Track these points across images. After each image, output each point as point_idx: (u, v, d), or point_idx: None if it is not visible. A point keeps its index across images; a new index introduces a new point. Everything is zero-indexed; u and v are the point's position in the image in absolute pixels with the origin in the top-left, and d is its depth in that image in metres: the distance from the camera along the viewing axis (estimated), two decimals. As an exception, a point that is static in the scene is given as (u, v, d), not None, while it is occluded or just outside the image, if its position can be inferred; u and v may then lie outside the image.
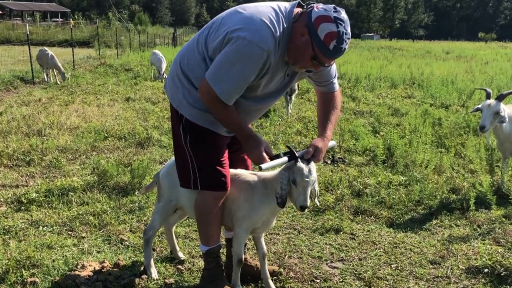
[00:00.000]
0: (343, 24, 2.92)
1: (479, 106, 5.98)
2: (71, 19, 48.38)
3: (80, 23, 46.87)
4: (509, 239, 4.82)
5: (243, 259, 3.67)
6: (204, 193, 3.46)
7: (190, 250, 4.49)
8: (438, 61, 29.89)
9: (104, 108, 11.46)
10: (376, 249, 4.67)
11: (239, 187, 3.52)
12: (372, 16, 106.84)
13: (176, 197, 3.76)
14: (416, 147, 7.63)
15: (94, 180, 6.16)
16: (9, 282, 3.78)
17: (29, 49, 16.99)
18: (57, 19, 67.31)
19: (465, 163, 7.42)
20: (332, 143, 3.49)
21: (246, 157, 3.85)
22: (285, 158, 3.26)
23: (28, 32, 18.26)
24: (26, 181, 6.32)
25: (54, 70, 16.61)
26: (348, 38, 2.97)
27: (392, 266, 4.33)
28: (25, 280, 3.79)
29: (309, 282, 4.02)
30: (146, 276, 3.90)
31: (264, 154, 3.22)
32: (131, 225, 5.04)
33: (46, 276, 3.89)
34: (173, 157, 3.90)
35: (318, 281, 4.03)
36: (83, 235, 4.76)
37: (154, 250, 4.45)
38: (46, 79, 16.51)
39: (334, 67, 3.50)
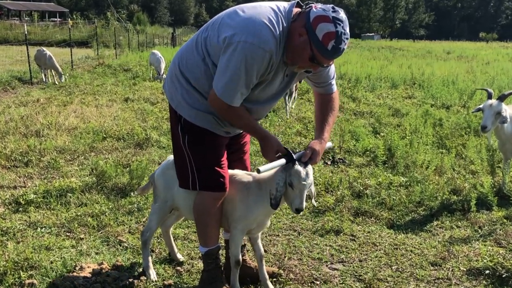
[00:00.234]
0: (342, 24, 2.91)
1: (481, 106, 5.98)
2: (69, 19, 48.43)
3: (79, 23, 46.90)
4: (511, 240, 4.82)
5: (241, 260, 3.67)
6: (203, 194, 3.47)
7: (189, 252, 4.49)
8: (439, 61, 29.89)
9: (102, 108, 11.46)
10: (376, 250, 4.67)
11: (235, 188, 3.53)
12: (372, 16, 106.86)
13: (172, 198, 3.77)
14: (417, 148, 7.63)
15: (93, 181, 6.16)
16: (7, 284, 3.78)
17: (27, 49, 16.98)
18: (55, 19, 67.31)
19: (466, 164, 7.42)
20: (328, 144, 3.49)
21: (245, 157, 3.86)
22: (283, 160, 3.26)
23: (26, 32, 18.23)
24: (24, 182, 6.32)
25: (52, 70, 16.62)
26: (347, 38, 2.96)
27: (393, 267, 4.33)
28: (23, 282, 3.79)
29: (309, 284, 4.02)
30: (145, 278, 3.90)
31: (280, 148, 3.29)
32: (129, 226, 5.03)
33: (44, 277, 3.89)
34: (168, 158, 3.92)
35: (318, 282, 4.03)
36: (82, 236, 4.76)
37: (153, 251, 4.46)
38: (44, 80, 16.51)
39: (332, 69, 3.50)
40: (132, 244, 4.58)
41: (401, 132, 9.20)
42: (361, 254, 4.59)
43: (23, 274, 3.92)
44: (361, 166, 7.36)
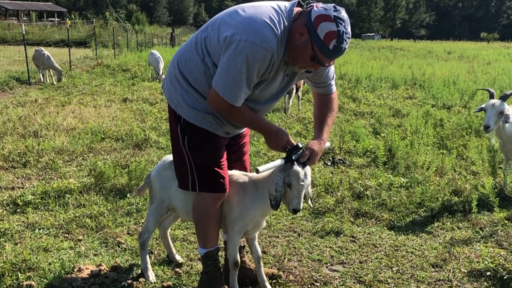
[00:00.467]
0: (343, 24, 2.91)
1: (483, 106, 5.99)
2: (67, 19, 48.35)
3: (77, 22, 46.91)
4: (512, 242, 4.83)
5: (239, 261, 3.67)
6: (202, 195, 3.47)
7: (188, 253, 4.49)
8: (439, 61, 29.91)
9: (101, 109, 11.46)
10: (377, 252, 4.67)
11: (231, 189, 3.53)
12: (372, 16, 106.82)
13: (169, 198, 3.77)
14: (418, 149, 7.63)
15: (91, 182, 6.15)
16: (4, 286, 3.78)
17: (25, 49, 16.99)
18: (54, 19, 67.41)
19: (467, 164, 7.43)
20: (327, 144, 3.50)
21: (244, 158, 3.86)
22: (282, 161, 3.27)
23: (24, 32, 18.27)
24: (22, 183, 6.32)
25: (51, 70, 16.62)
26: (348, 38, 2.96)
27: (393, 269, 4.33)
28: (21, 284, 3.79)
29: (309, 286, 4.02)
30: (144, 279, 3.90)
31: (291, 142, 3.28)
32: (128, 227, 5.03)
33: (42, 279, 3.89)
34: (164, 158, 3.92)
35: (318, 284, 4.03)
36: (80, 237, 4.76)
37: (151, 253, 4.46)
38: (42, 80, 16.52)
39: (332, 69, 3.51)
40: (130, 246, 4.58)
41: (402, 132, 9.20)
42: (361, 255, 4.59)
43: (21, 275, 3.92)
44: (362, 167, 7.36)
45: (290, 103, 11.90)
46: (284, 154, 3.33)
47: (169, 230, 4.27)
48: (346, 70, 20.24)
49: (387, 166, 7.26)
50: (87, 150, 7.86)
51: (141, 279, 3.91)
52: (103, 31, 40.44)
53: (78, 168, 7.00)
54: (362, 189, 6.11)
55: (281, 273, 4.09)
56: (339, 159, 7.67)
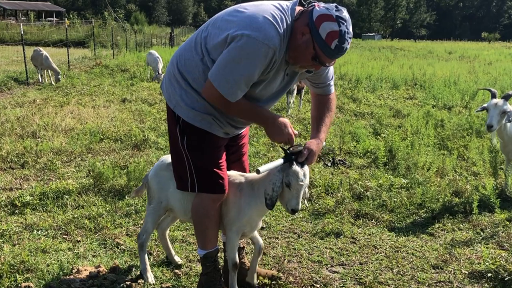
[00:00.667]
0: (345, 23, 2.92)
1: (485, 105, 5.99)
2: (66, 19, 48.36)
3: (75, 22, 46.90)
4: (513, 243, 4.83)
5: (238, 263, 3.67)
6: (202, 196, 3.47)
7: (187, 254, 4.49)
8: (440, 61, 29.91)
9: (99, 109, 11.46)
10: (377, 253, 4.67)
11: (228, 189, 3.54)
12: (373, 16, 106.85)
13: (166, 198, 3.78)
14: (418, 149, 7.63)
15: (90, 183, 6.15)
16: (3, 287, 3.78)
17: (23, 49, 16.99)
18: (52, 19, 67.39)
19: (468, 165, 7.43)
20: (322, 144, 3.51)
21: (243, 159, 3.86)
22: (281, 160, 3.27)
23: (22, 32, 18.26)
24: (20, 184, 6.32)
25: (49, 70, 16.62)
26: (350, 38, 2.97)
27: (394, 270, 4.33)
28: (19, 285, 3.80)
29: (309, 287, 4.02)
30: (143, 281, 3.91)
31: (291, 133, 3.24)
32: (127, 228, 5.04)
33: (40, 280, 3.90)
34: (161, 158, 3.92)
35: (318, 286, 4.04)
36: (78, 239, 4.76)
37: (150, 254, 4.46)
38: (40, 80, 16.52)
39: (331, 70, 3.51)
40: (129, 247, 4.58)
41: (402, 133, 9.21)
42: (361, 256, 4.60)
43: (19, 277, 3.92)
44: (362, 168, 7.37)
45: (291, 103, 11.91)
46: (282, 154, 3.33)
47: (167, 231, 4.27)
48: (346, 70, 20.25)
49: (387, 167, 7.26)
50: (86, 150, 7.86)
51: (140, 281, 3.91)
52: (102, 31, 40.43)
53: (77, 169, 7.00)
54: (362, 190, 6.11)
55: (281, 275, 4.09)
56: (339, 160, 7.67)
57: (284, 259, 4.46)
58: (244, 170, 3.80)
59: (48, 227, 4.99)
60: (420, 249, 4.78)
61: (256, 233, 3.79)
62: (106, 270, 4.07)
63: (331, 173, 6.98)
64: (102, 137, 8.60)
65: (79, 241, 4.72)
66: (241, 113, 3.27)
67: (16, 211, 5.42)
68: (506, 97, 5.89)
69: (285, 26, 3.01)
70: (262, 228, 5.17)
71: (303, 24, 3.00)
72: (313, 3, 3.03)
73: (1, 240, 4.66)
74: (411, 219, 5.51)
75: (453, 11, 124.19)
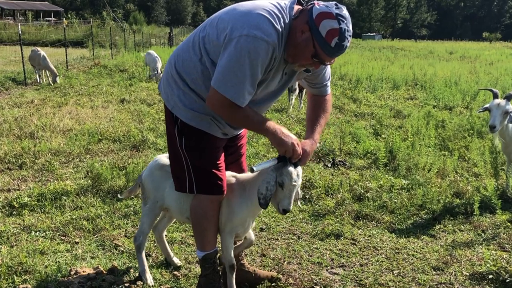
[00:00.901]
0: (345, 21, 2.92)
1: (487, 105, 5.99)
2: (64, 19, 48.43)
3: (74, 22, 46.96)
4: (514, 244, 4.83)
5: (235, 264, 3.66)
6: (200, 197, 3.47)
7: (186, 256, 4.49)
8: (441, 61, 29.95)
9: (98, 110, 11.46)
10: (377, 254, 4.68)
11: None
12: (373, 15, 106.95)
13: (162, 198, 3.78)
14: (419, 150, 7.63)
15: (88, 184, 6.16)
16: (0, 289, 3.78)
17: (21, 49, 16.99)
18: (50, 19, 67.35)
19: (469, 166, 7.44)
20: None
21: (241, 160, 3.86)
22: (275, 160, 3.28)
23: (20, 32, 18.24)
24: (18, 185, 6.31)
25: (47, 71, 16.62)
26: (350, 36, 2.96)
27: (394, 272, 4.33)
28: (17, 287, 3.80)
29: (309, 289, 4.02)
30: (142, 283, 3.91)
31: (297, 146, 3.19)
32: (126, 230, 5.04)
33: (38, 282, 3.89)
34: (155, 158, 3.92)
35: (318, 287, 4.04)
36: (77, 240, 4.76)
37: (149, 255, 4.46)
38: (38, 80, 16.53)
39: (329, 70, 3.52)
40: (128, 248, 4.58)
41: (403, 134, 9.21)
42: (362, 258, 4.60)
43: (17, 278, 3.92)
44: (362, 169, 7.37)
45: (292, 100, 11.92)
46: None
47: (164, 233, 4.27)
48: (347, 70, 20.27)
49: (388, 167, 7.26)
50: (84, 151, 7.86)
51: (139, 282, 3.91)
52: (100, 31, 40.48)
53: (75, 169, 7.00)
54: (362, 191, 6.11)
55: (281, 276, 4.09)
56: (339, 161, 7.67)
57: (284, 261, 4.46)
58: (242, 171, 3.79)
59: (46, 228, 4.99)
60: (420, 250, 4.78)
61: (250, 230, 3.79)
62: (104, 272, 4.07)
63: (331, 174, 6.98)
64: (100, 137, 8.60)
65: (77, 242, 4.72)
66: (245, 122, 3.23)
67: (14, 212, 5.42)
68: (508, 98, 5.89)
69: (282, 24, 3.00)
70: (261, 230, 5.18)
71: (302, 22, 2.99)
72: (313, 1, 3.03)
73: (-1, 242, 4.66)
74: (411, 221, 5.52)
75: (454, 11, 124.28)
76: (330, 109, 3.62)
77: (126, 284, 3.88)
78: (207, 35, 3.16)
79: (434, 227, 5.35)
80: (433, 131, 8.93)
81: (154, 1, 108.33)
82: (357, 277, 4.23)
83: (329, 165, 7.52)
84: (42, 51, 16.47)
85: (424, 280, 4.19)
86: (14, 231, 4.90)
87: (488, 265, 4.30)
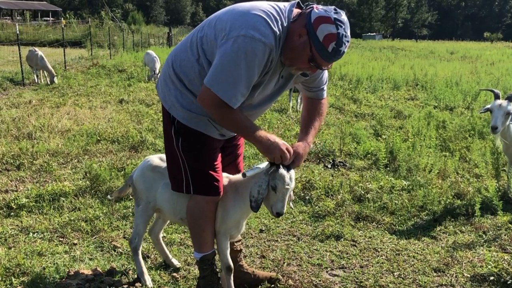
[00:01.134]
0: (343, 26, 2.91)
1: (489, 106, 5.98)
2: (62, 18, 48.47)
3: (72, 22, 46.95)
4: (516, 246, 4.84)
5: (232, 266, 3.66)
6: (197, 198, 3.47)
7: (185, 258, 4.49)
8: (442, 61, 29.96)
9: (96, 110, 11.47)
10: (378, 256, 4.68)
11: None
12: (374, 15, 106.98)
13: (154, 199, 3.77)
14: (420, 151, 7.64)
15: (86, 185, 6.16)
16: (-2, 291, 3.78)
17: (19, 49, 16.98)
18: (48, 18, 67.40)
19: (470, 167, 7.44)
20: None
21: (238, 161, 3.86)
22: (267, 163, 3.28)
23: (18, 32, 18.28)
24: (16, 186, 6.31)
25: (44, 71, 16.62)
26: (348, 41, 2.96)
27: (395, 274, 4.33)
28: (15, 289, 3.80)
29: (309, 291, 4.02)
30: (140, 284, 3.91)
31: (285, 151, 3.16)
32: (124, 231, 5.04)
33: (36, 284, 3.89)
34: (145, 159, 3.93)
35: (318, 289, 4.04)
36: (75, 241, 4.76)
37: (148, 257, 4.46)
38: (36, 81, 16.53)
39: (326, 75, 3.53)
40: (127, 250, 4.58)
41: (403, 134, 9.22)
42: (362, 260, 4.60)
43: (15, 280, 3.92)
44: (362, 170, 7.37)
45: (295, 102, 11.93)
46: None
47: (161, 234, 4.26)
48: (347, 70, 20.28)
49: (388, 168, 7.26)
50: (82, 152, 7.86)
51: (138, 284, 3.92)
52: (99, 31, 40.46)
53: (73, 170, 7.00)
54: (363, 192, 6.11)
55: (280, 277, 4.09)
56: (339, 162, 7.68)
57: (284, 262, 4.46)
58: (239, 172, 3.79)
59: (44, 229, 4.99)
60: (421, 252, 4.78)
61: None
62: (103, 273, 4.07)
63: (331, 175, 6.98)
64: (99, 138, 8.60)
65: (76, 244, 4.72)
66: (234, 124, 3.19)
67: (12, 213, 5.42)
68: (509, 98, 5.89)
69: (280, 27, 3.00)
70: (261, 231, 5.18)
71: (300, 26, 2.99)
72: (312, 5, 3.03)
73: (-3, 243, 4.66)
74: (412, 222, 5.52)
75: (455, 11, 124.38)
76: (325, 113, 3.64)
77: (125, 286, 3.88)
78: (205, 35, 3.16)
79: (435, 229, 5.35)
80: (434, 132, 8.94)
81: (153, 0, 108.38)
82: (357, 278, 4.23)
83: (329, 166, 7.52)
84: (40, 51, 16.48)
85: (425, 282, 4.19)
86: (12, 233, 4.90)
87: (489, 266, 4.30)
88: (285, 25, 3.04)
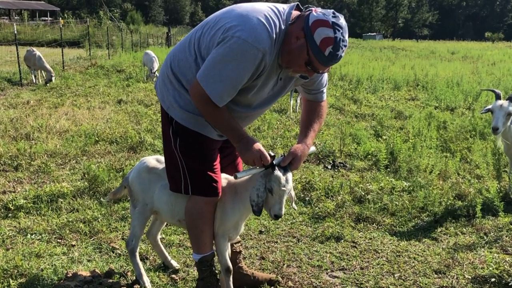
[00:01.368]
0: (341, 31, 2.91)
1: (490, 107, 5.98)
2: (60, 18, 48.46)
3: (70, 22, 46.95)
4: (517, 247, 4.84)
5: (231, 267, 3.66)
6: (195, 199, 3.47)
7: (184, 259, 4.49)
8: (443, 61, 29.96)
9: (95, 111, 11.47)
10: (378, 257, 4.68)
11: None
12: (374, 15, 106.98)
13: (151, 201, 3.77)
14: (420, 152, 7.64)
15: (85, 186, 6.16)
16: (-5, 293, 3.78)
17: (17, 50, 16.99)
18: (46, 18, 67.42)
19: (471, 168, 7.44)
20: (312, 149, 3.50)
21: (237, 162, 3.86)
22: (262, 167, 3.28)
23: (15, 32, 18.27)
24: (14, 187, 6.31)
25: (43, 71, 16.62)
26: (345, 46, 2.95)
27: (395, 275, 4.34)
28: (12, 290, 3.80)
29: (309, 292, 4.02)
30: (139, 286, 3.91)
31: (264, 151, 3.19)
32: (123, 232, 5.04)
33: (34, 286, 3.89)
34: (141, 160, 3.93)
35: (318, 291, 4.04)
36: (73, 243, 4.76)
37: (147, 258, 4.46)
38: (34, 81, 16.53)
39: (325, 77, 3.52)
40: (125, 251, 4.57)
41: (404, 135, 9.22)
42: (362, 261, 4.60)
43: (13, 282, 3.92)
44: (363, 171, 7.37)
45: (294, 103, 11.92)
46: None
47: (159, 236, 4.27)
48: (347, 71, 20.28)
49: (389, 169, 7.26)
50: (81, 153, 7.86)
51: (136, 286, 3.92)
52: (97, 30, 40.45)
53: (71, 171, 7.00)
54: (363, 193, 6.11)
55: (280, 279, 4.10)
56: (339, 163, 7.68)
57: (283, 264, 4.46)
58: None
59: (42, 231, 4.99)
60: (422, 253, 4.78)
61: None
62: (101, 275, 4.07)
63: (331, 176, 6.98)
64: (97, 139, 8.60)
65: (74, 245, 4.72)
66: (218, 122, 3.22)
67: (10, 214, 5.42)
68: (511, 99, 5.89)
69: (277, 30, 3.01)
70: (260, 232, 5.18)
71: (298, 29, 2.99)
72: (311, 8, 3.03)
73: (-6, 245, 4.66)
74: (413, 223, 5.52)
75: (456, 11, 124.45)
76: (324, 115, 3.64)
77: (123, 288, 3.88)
78: (202, 35, 3.18)
79: (435, 230, 5.35)
80: (435, 133, 8.94)
81: (151, 0, 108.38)
82: (357, 280, 4.23)
83: (329, 167, 7.52)
84: (38, 51, 16.48)
85: (426, 284, 4.19)
86: (10, 234, 4.90)
87: (490, 268, 4.30)
88: (283, 27, 3.04)
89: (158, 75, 14.94)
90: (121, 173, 6.49)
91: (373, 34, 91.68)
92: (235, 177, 3.21)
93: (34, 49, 16.81)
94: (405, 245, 4.96)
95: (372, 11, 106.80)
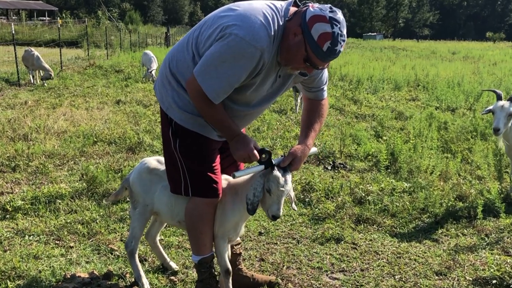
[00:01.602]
0: (339, 25, 2.90)
1: (491, 107, 5.99)
2: (58, 18, 48.42)
3: (68, 22, 46.96)
4: (518, 249, 4.84)
5: (230, 269, 3.66)
6: (195, 200, 3.47)
7: (183, 261, 4.49)
8: (444, 62, 29.97)
9: (93, 111, 11.47)
10: (379, 259, 4.68)
11: None
12: (374, 15, 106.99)
13: (152, 202, 3.77)
14: (421, 152, 7.65)
15: (83, 187, 6.16)
16: (-7, 294, 3.78)
17: (15, 50, 16.98)
18: (44, 18, 67.38)
19: (472, 169, 7.44)
20: (313, 150, 3.49)
21: (238, 162, 3.85)
22: (261, 166, 3.27)
23: (13, 32, 18.23)
24: (11, 188, 6.31)
25: (41, 71, 16.62)
26: (344, 40, 2.95)
27: (396, 277, 4.34)
28: (10, 292, 3.80)
29: (309, 294, 4.03)
30: (138, 288, 3.91)
31: (255, 151, 3.20)
32: (121, 234, 5.04)
33: (32, 287, 3.89)
34: (142, 161, 3.93)
35: (318, 292, 4.04)
36: (71, 244, 4.76)
37: (145, 260, 4.46)
38: (32, 81, 16.53)
39: (325, 75, 3.52)
40: (124, 253, 4.58)
41: (405, 135, 9.22)
42: (362, 263, 4.60)
43: (10, 283, 3.92)
44: (363, 171, 7.37)
45: (298, 102, 11.92)
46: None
47: (158, 237, 4.26)
48: (347, 71, 20.28)
49: (389, 170, 7.26)
50: (79, 154, 7.86)
51: (135, 287, 3.91)
52: (96, 30, 40.49)
53: (70, 172, 7.00)
54: (363, 194, 6.11)
55: (280, 281, 4.10)
56: (339, 163, 7.68)
57: (283, 266, 4.46)
58: None
59: (40, 232, 4.99)
60: (423, 255, 4.79)
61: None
62: (99, 277, 4.07)
63: (331, 177, 6.98)
64: (95, 139, 8.60)
65: (72, 246, 4.72)
66: (213, 119, 3.23)
67: (7, 216, 5.42)
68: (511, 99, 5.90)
69: (276, 27, 3.01)
70: (260, 234, 5.18)
71: (296, 25, 2.99)
72: (308, 4, 3.03)
73: (-8, 246, 4.66)
74: (413, 224, 5.52)
75: (457, 10, 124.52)
76: (325, 114, 3.63)
77: (122, 290, 3.88)
78: (200, 34, 3.18)
79: (436, 231, 5.35)
80: (436, 133, 8.94)
81: (150, 0, 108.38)
82: (358, 282, 4.24)
83: (329, 167, 7.52)
84: (36, 51, 16.47)
85: (426, 285, 4.19)
86: (8, 235, 4.89)
87: (491, 270, 4.30)
88: (281, 24, 3.04)
89: (154, 74, 14.75)
90: (119, 174, 6.49)
91: (373, 34, 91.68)
92: (233, 176, 3.22)
93: (32, 49, 16.81)
94: (406, 246, 4.97)
95: (372, 11, 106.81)
